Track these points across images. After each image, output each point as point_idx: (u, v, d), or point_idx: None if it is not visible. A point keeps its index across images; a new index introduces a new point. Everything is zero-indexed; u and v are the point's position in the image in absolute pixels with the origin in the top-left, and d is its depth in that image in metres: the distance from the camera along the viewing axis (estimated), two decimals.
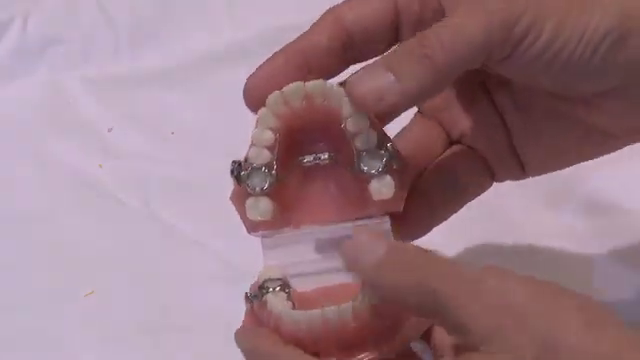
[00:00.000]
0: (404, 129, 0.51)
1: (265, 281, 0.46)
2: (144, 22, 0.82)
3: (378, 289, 0.41)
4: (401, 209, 0.47)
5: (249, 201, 0.46)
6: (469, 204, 0.52)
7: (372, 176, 0.45)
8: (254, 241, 0.65)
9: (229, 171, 0.46)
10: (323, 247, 0.47)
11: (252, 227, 0.47)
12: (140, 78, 0.80)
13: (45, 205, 0.71)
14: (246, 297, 0.47)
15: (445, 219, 0.51)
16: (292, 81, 0.45)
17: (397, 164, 0.45)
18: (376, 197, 0.45)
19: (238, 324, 0.62)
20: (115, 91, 0.79)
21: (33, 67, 0.81)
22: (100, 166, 0.74)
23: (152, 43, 0.82)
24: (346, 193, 0.48)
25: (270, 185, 0.45)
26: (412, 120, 0.52)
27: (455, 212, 0.51)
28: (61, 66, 0.81)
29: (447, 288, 0.38)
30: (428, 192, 0.50)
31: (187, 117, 0.77)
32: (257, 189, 0.45)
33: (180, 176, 0.73)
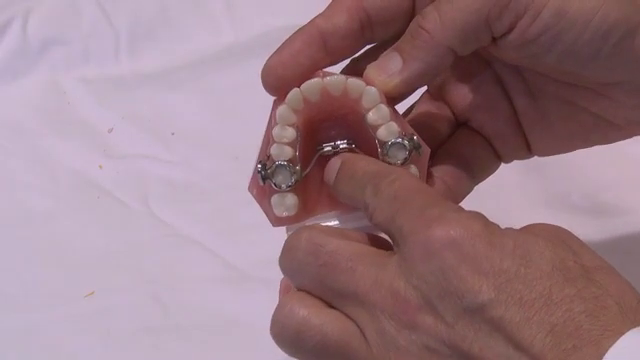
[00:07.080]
0: (411, 108, 0.52)
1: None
2: (144, 22, 0.82)
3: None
4: None
5: (275, 198, 0.46)
6: (469, 204, 0.52)
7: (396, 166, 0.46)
8: (254, 241, 0.65)
9: (256, 171, 0.46)
10: None
11: (277, 222, 0.47)
12: (140, 78, 0.80)
13: (45, 205, 0.71)
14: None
15: (457, 203, 0.51)
16: (310, 64, 0.46)
17: (420, 154, 0.46)
18: None
19: (238, 324, 0.63)
20: (115, 91, 0.79)
21: (33, 67, 0.81)
22: (100, 166, 0.74)
23: (152, 43, 0.82)
24: None
25: (295, 181, 0.46)
26: (419, 100, 0.52)
27: (465, 196, 0.51)
28: (61, 66, 0.81)
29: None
30: (439, 177, 0.50)
31: (187, 117, 0.77)
32: (283, 186, 0.46)
33: (180, 176, 0.73)
